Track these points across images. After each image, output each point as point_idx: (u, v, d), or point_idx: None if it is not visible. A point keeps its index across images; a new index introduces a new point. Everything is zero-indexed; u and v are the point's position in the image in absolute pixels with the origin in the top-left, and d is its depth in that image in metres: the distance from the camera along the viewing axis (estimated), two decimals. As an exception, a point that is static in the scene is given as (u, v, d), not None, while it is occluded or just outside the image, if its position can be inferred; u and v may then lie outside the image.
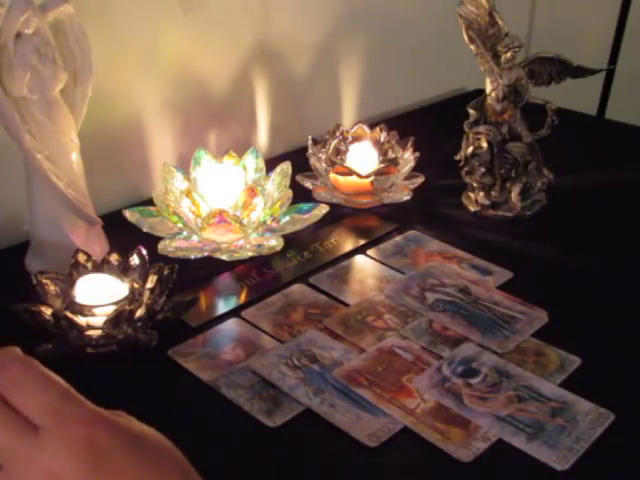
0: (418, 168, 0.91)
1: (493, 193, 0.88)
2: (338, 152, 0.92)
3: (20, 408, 0.32)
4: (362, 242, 0.82)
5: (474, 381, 0.60)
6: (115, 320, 0.61)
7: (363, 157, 0.90)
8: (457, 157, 0.89)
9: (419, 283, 0.74)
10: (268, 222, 0.80)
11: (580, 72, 0.85)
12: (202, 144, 0.91)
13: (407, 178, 0.92)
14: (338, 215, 0.87)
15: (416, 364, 0.62)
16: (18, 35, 0.64)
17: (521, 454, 0.54)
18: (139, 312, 0.63)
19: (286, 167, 0.83)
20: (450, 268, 0.77)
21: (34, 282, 0.64)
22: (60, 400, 0.33)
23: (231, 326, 0.68)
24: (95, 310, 0.62)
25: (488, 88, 0.85)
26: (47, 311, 0.62)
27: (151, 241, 0.75)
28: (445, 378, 0.61)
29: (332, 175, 0.90)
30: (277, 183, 0.82)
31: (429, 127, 1.07)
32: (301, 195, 0.86)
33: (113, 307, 0.62)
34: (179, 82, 0.92)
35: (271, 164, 0.84)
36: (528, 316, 0.69)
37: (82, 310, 0.62)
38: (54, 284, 0.65)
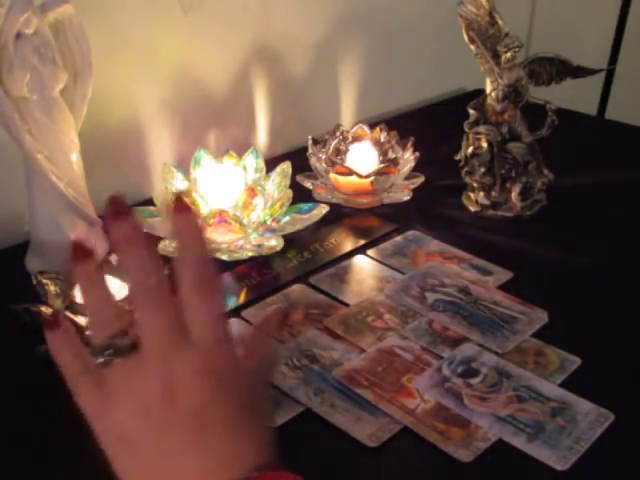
0: (418, 168, 0.91)
1: (493, 193, 0.88)
2: (338, 152, 0.92)
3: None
4: (362, 242, 0.82)
5: (474, 381, 0.60)
6: (115, 320, 0.61)
7: (363, 157, 0.90)
8: (457, 157, 0.89)
9: (419, 283, 0.74)
10: (268, 222, 0.80)
11: (580, 72, 0.85)
12: (202, 144, 0.91)
13: (407, 178, 0.92)
14: (338, 215, 0.87)
15: (416, 364, 0.62)
16: (18, 35, 0.64)
17: (521, 454, 0.54)
18: (139, 312, 0.63)
19: (286, 167, 0.83)
20: (450, 268, 0.77)
21: (34, 282, 0.64)
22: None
23: (231, 326, 0.67)
24: (95, 310, 0.61)
25: (488, 88, 0.85)
26: (47, 311, 0.62)
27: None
28: (445, 378, 0.61)
29: (332, 175, 0.90)
30: (277, 183, 0.82)
31: (429, 127, 1.07)
32: (301, 195, 0.86)
33: (113, 307, 0.62)
34: (179, 82, 0.92)
35: (271, 164, 0.84)
36: (528, 316, 0.69)
37: (82, 310, 0.62)
38: (54, 284, 0.65)
